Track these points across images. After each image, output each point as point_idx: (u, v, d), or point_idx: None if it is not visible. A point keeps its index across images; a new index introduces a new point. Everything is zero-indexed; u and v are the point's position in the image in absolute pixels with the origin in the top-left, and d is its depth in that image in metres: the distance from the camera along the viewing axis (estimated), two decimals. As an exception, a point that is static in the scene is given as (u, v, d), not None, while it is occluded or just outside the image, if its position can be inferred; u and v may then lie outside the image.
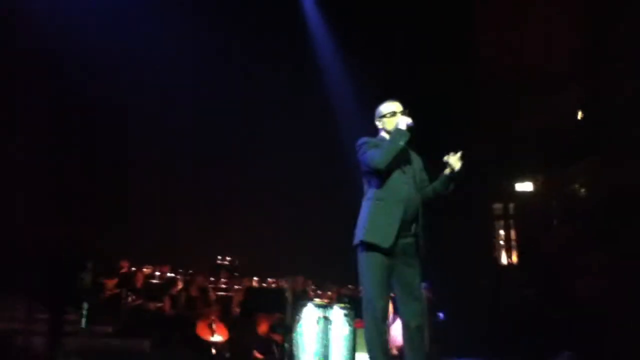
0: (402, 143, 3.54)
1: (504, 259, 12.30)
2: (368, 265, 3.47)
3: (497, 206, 12.53)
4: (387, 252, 3.44)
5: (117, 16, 9.01)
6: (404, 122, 3.60)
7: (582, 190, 11.32)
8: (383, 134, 3.77)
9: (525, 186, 12.04)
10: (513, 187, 12.10)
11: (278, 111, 10.43)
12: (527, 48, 9.19)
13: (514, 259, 12.24)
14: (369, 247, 3.47)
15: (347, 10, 10.09)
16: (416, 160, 3.78)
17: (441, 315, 8.53)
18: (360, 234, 3.53)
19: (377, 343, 3.44)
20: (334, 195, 10.00)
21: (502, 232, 12.58)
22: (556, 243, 10.74)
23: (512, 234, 12.37)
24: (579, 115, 10.82)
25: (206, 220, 10.39)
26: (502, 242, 12.60)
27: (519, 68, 9.40)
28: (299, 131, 10.27)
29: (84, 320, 5.23)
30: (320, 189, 10.45)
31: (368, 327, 3.46)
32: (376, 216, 3.51)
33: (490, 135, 10.35)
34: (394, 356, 6.18)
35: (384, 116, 3.77)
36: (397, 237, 3.44)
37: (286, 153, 10.39)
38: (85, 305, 5.12)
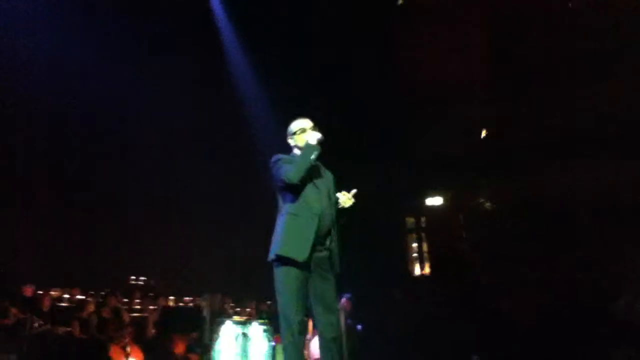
0: (313, 157, 3.62)
1: (417, 270, 12.76)
2: (284, 279, 3.49)
3: (410, 220, 13.02)
4: (303, 266, 3.47)
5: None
6: (314, 137, 3.69)
7: (487, 204, 12.01)
8: (295, 150, 3.83)
9: (435, 201, 12.61)
10: (424, 202, 12.64)
11: (191, 129, 10.30)
12: (438, 67, 9.64)
13: (427, 270, 12.73)
14: (284, 261, 3.49)
15: (261, 27, 10.18)
16: (328, 177, 3.85)
17: (359, 327, 8.70)
18: (275, 248, 3.54)
19: (295, 357, 3.49)
20: (249, 212, 10.03)
21: (414, 244, 13.07)
22: (464, 253, 11.31)
23: (425, 246, 12.89)
24: (483, 133, 11.49)
25: (119, 240, 10.06)
26: (415, 255, 13.09)
27: (430, 85, 9.83)
28: (211, 149, 10.22)
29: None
30: (234, 205, 10.43)
31: (285, 340, 3.49)
32: (291, 231, 3.55)
33: (402, 152, 10.73)
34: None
35: (294, 133, 3.84)
36: (312, 250, 3.50)
37: (200, 171, 10.28)
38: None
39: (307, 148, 3.65)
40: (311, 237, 3.50)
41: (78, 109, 9.38)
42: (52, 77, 8.82)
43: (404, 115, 10.36)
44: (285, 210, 3.63)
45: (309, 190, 3.63)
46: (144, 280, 9.91)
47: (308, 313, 3.64)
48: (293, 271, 3.47)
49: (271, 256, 3.55)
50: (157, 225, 10.37)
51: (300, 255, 3.45)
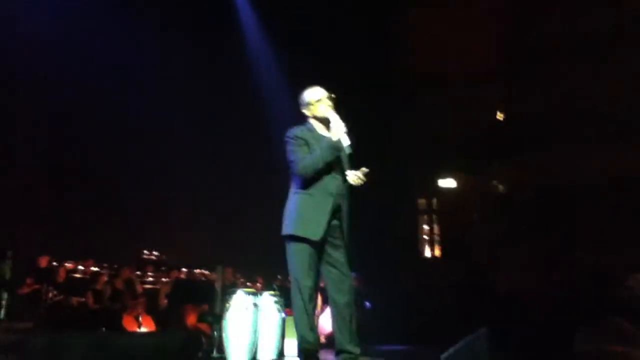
0: (331, 158, 3.56)
1: (427, 253, 12.77)
2: (296, 254, 3.55)
3: (422, 201, 13.00)
4: (316, 242, 3.53)
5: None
6: (337, 131, 3.58)
7: (501, 187, 11.96)
8: (311, 121, 3.80)
9: (448, 182, 12.57)
10: (436, 183, 12.61)
11: (202, 104, 10.32)
12: (452, 45, 9.56)
13: (437, 252, 12.74)
14: (297, 239, 3.54)
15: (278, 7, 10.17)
16: (346, 153, 3.75)
17: (368, 304, 8.76)
18: (289, 226, 3.58)
19: (305, 321, 3.56)
20: (262, 188, 10.06)
21: (425, 226, 13.06)
22: (476, 238, 11.30)
23: (436, 228, 12.88)
24: (499, 115, 11.41)
25: (132, 214, 10.17)
26: (425, 237, 13.09)
27: (443, 65, 9.77)
28: (224, 122, 10.23)
29: (2, 312, 5.04)
30: (248, 181, 10.46)
31: (296, 306, 3.57)
32: (305, 210, 3.57)
33: (415, 132, 10.70)
34: (322, 344, 6.31)
35: (309, 104, 3.80)
36: (326, 229, 3.54)
37: (213, 144, 10.33)
38: (5, 296, 4.93)
39: (328, 146, 3.57)
40: (325, 216, 3.55)
41: (89, 83, 9.41)
42: (58, 55, 8.87)
43: (418, 94, 10.31)
44: (299, 187, 3.64)
45: (323, 169, 3.60)
46: (156, 255, 10.03)
47: (318, 285, 3.70)
48: (306, 247, 3.54)
49: (285, 232, 3.59)
50: (171, 201, 10.47)
51: (315, 235, 3.51)
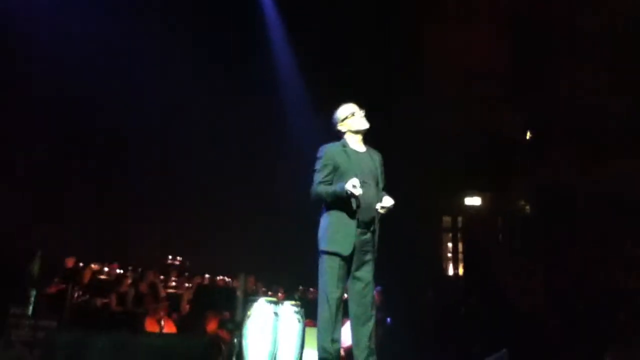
0: (330, 200, 3.65)
1: (450, 270, 12.66)
2: (327, 267, 3.63)
3: (447, 219, 12.92)
4: (346, 256, 3.61)
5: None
6: (351, 185, 3.54)
7: (527, 207, 11.82)
8: (347, 136, 3.88)
9: (473, 201, 12.47)
10: (462, 201, 12.51)
11: (230, 111, 10.41)
12: (477, 62, 9.56)
13: (460, 270, 12.62)
14: (329, 252, 3.63)
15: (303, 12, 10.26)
16: (375, 159, 3.88)
17: (388, 320, 8.70)
18: (322, 242, 3.68)
19: (328, 332, 3.58)
20: (286, 200, 10.12)
21: (450, 244, 12.96)
22: (500, 257, 11.16)
23: (460, 246, 12.77)
24: (527, 135, 11.31)
25: (158, 220, 10.31)
26: (449, 254, 12.98)
27: (471, 84, 9.75)
28: (249, 133, 10.34)
29: (30, 308, 5.14)
30: (273, 192, 10.53)
31: (321, 316, 3.60)
32: (334, 226, 3.66)
33: (444, 149, 10.66)
34: (340, 357, 6.29)
35: (345, 119, 3.87)
36: (355, 243, 3.59)
37: (239, 156, 10.43)
38: (33, 294, 5.03)
39: (339, 194, 3.60)
40: (353, 232, 3.61)
41: (109, 88, 9.54)
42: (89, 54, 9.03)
43: (445, 111, 10.27)
44: (328, 203, 3.71)
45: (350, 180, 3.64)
46: (180, 261, 10.14)
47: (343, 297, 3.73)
48: (337, 261, 3.61)
49: (319, 247, 3.69)
50: (197, 208, 10.58)
51: (344, 250, 3.59)
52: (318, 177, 3.71)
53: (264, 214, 10.48)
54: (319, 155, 3.78)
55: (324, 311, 3.58)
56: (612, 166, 8.41)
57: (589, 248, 8.88)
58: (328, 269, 3.61)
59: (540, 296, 9.00)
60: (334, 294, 3.58)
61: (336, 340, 3.62)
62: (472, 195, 12.49)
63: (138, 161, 10.29)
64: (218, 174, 10.41)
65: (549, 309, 7.69)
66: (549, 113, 9.69)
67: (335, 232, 3.63)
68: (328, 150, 3.79)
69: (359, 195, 3.56)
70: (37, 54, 8.64)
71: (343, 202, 3.65)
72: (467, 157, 10.58)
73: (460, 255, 12.64)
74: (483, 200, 12.40)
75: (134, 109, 9.71)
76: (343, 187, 3.58)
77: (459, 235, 12.81)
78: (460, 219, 12.78)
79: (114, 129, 9.80)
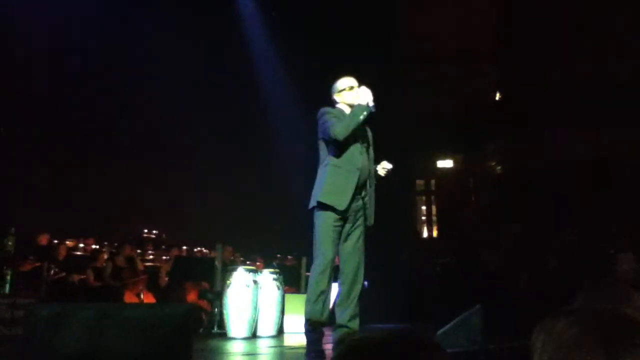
0: (361, 118, 3.74)
1: (425, 232, 12.88)
2: (322, 224, 3.73)
3: (420, 182, 13.08)
4: (340, 214, 3.70)
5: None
6: (366, 97, 3.79)
7: (498, 167, 12.03)
8: (341, 106, 3.98)
9: (446, 163, 12.64)
10: (435, 164, 12.67)
11: (200, 75, 10.30)
12: (448, 28, 9.56)
13: (434, 232, 12.85)
14: (324, 207, 3.71)
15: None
16: (368, 133, 4.03)
17: (365, 283, 8.85)
18: (317, 195, 3.77)
19: (317, 292, 3.66)
20: (262, 169, 10.12)
21: (423, 207, 13.16)
22: (472, 217, 11.39)
23: (433, 209, 12.98)
24: (497, 95, 11.44)
25: (132, 193, 10.21)
26: (423, 217, 13.19)
27: (439, 44, 9.77)
28: (224, 100, 10.24)
29: (7, 287, 5.10)
30: (247, 162, 10.51)
31: (314, 273, 3.70)
32: (333, 181, 3.75)
33: (414, 114, 10.72)
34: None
35: (342, 90, 3.99)
36: (351, 201, 3.68)
37: (211, 125, 10.34)
38: (9, 272, 4.99)
39: (358, 108, 3.78)
40: (351, 189, 3.72)
41: (87, 64, 9.40)
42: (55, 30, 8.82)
43: (415, 75, 10.31)
44: (328, 161, 3.83)
45: (352, 144, 3.79)
46: (156, 234, 10.11)
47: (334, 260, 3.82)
48: (331, 217, 3.72)
49: (312, 203, 3.79)
50: (170, 179, 10.50)
51: (340, 204, 3.68)
52: (333, 120, 3.80)
53: (240, 183, 10.47)
54: (324, 111, 3.89)
55: (319, 266, 3.69)
56: (579, 127, 8.59)
57: (556, 206, 9.11)
58: (322, 226, 3.71)
59: (510, 252, 9.24)
60: (327, 253, 3.67)
61: (325, 302, 3.71)
62: (444, 158, 12.65)
63: (107, 132, 10.13)
64: (191, 145, 10.33)
65: (519, 264, 7.92)
66: (519, 75, 9.79)
67: (332, 185, 3.74)
68: (332, 109, 3.93)
69: (360, 163, 3.70)
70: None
71: (341, 158, 3.75)
72: (438, 120, 10.67)
73: (434, 218, 12.86)
74: (455, 162, 12.58)
75: (106, 83, 9.57)
76: (360, 104, 3.75)
77: (432, 197, 13.00)
78: (433, 181, 12.95)
79: (85, 103, 9.62)
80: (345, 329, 3.74)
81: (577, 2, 8.65)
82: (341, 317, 3.77)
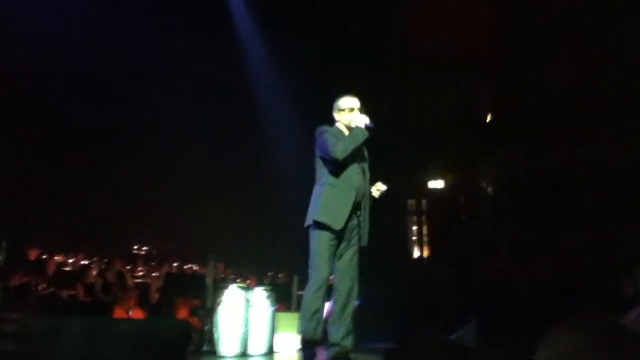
0: (360, 141, 3.84)
1: (416, 253, 12.89)
2: (318, 242, 3.80)
3: (411, 202, 13.11)
4: (336, 233, 3.77)
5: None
6: (363, 121, 3.87)
7: (488, 187, 12.09)
8: (339, 125, 4.05)
9: (437, 184, 12.70)
10: (426, 184, 12.72)
11: (199, 92, 10.33)
12: (443, 41, 9.64)
13: (425, 252, 12.86)
14: (320, 226, 3.77)
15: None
16: (365, 154, 4.13)
17: (357, 302, 8.83)
18: (313, 214, 3.84)
19: (311, 310, 3.68)
20: (254, 187, 10.11)
21: (414, 227, 13.18)
22: (464, 236, 11.40)
23: (425, 229, 13.00)
24: (488, 117, 11.54)
25: (121, 209, 10.15)
26: (414, 237, 13.20)
27: (434, 59, 9.83)
28: (216, 115, 10.27)
29: (-1, 301, 5.05)
30: (239, 178, 10.52)
31: (309, 291, 3.73)
32: (330, 200, 3.83)
33: (405, 134, 10.77)
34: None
35: (342, 110, 4.07)
36: (347, 220, 3.71)
37: (204, 140, 10.37)
38: (0, 286, 4.94)
39: (358, 131, 3.87)
40: (347, 208, 3.79)
41: (83, 75, 9.39)
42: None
43: (407, 97, 10.37)
44: (325, 180, 3.92)
45: (349, 164, 3.84)
46: (146, 250, 10.05)
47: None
48: (327, 236, 3.79)
49: (308, 222, 3.86)
50: (161, 194, 10.46)
51: (336, 223, 3.74)
52: (333, 140, 3.86)
53: (231, 200, 10.46)
54: (323, 129, 3.98)
55: (313, 285, 3.71)
56: (572, 141, 8.63)
57: (554, 214, 9.11)
58: (318, 245, 3.74)
59: (507, 266, 9.24)
60: (322, 272, 3.70)
61: (319, 320, 3.72)
62: (435, 178, 12.70)
63: (98, 147, 10.11)
64: (183, 161, 10.33)
65: (517, 277, 7.94)
66: (510, 95, 9.87)
67: (329, 205, 3.79)
68: (330, 128, 3.95)
69: (357, 182, 3.74)
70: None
71: (338, 177, 3.79)
72: (429, 141, 10.73)
73: (425, 238, 12.88)
74: (446, 182, 12.64)
75: (96, 96, 9.56)
76: (359, 126, 3.87)
77: (423, 217, 13.03)
78: (424, 202, 12.99)
79: (77, 119, 9.60)
80: (338, 347, 3.75)
81: (577, 9, 8.71)
82: (335, 335, 3.78)
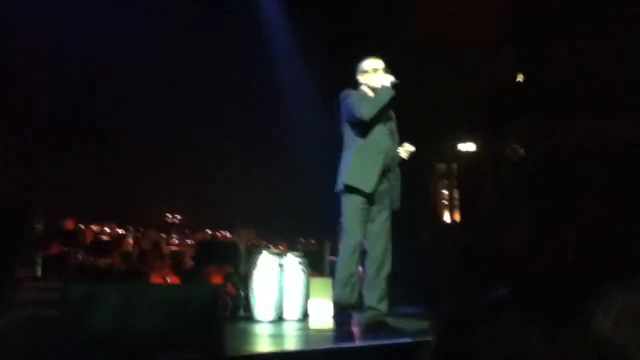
0: (386, 99, 3.71)
1: (447, 217, 12.79)
2: (349, 206, 3.78)
3: (441, 166, 12.95)
4: (367, 197, 3.66)
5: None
6: (388, 79, 3.75)
7: (520, 150, 11.86)
8: (364, 87, 3.97)
9: (467, 146, 12.50)
10: (456, 147, 12.53)
11: (224, 64, 10.27)
12: (468, 10, 9.44)
13: (457, 217, 12.75)
14: (351, 190, 3.70)
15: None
16: (392, 116, 4.07)
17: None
18: (343, 178, 3.81)
19: (347, 271, 3.68)
20: (281, 155, 10.11)
21: (445, 191, 13.04)
22: (492, 200, 11.26)
23: (455, 192, 12.86)
24: (519, 77, 11.25)
25: (152, 176, 10.25)
26: (445, 201, 13.08)
27: (460, 29, 9.62)
28: (241, 85, 10.22)
29: (39, 269, 5.18)
30: (267, 145, 10.52)
31: (343, 255, 3.73)
32: (359, 163, 3.80)
33: (434, 96, 10.59)
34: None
35: (366, 72, 3.99)
36: (378, 183, 3.66)
37: (231, 107, 10.36)
38: (39, 255, 5.07)
39: (383, 90, 3.76)
40: (377, 171, 3.73)
41: (114, 53, 9.44)
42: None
43: (435, 57, 10.16)
44: (353, 144, 3.88)
45: (376, 127, 3.77)
46: (179, 218, 10.18)
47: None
48: (358, 200, 3.75)
49: (339, 186, 3.76)
50: (190, 162, 10.54)
51: (367, 186, 3.69)
52: (357, 102, 3.79)
53: (261, 169, 10.48)
54: (347, 94, 3.94)
55: (347, 249, 3.71)
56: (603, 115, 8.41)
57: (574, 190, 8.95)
58: (349, 209, 3.72)
59: (531, 235, 9.13)
60: (356, 235, 3.69)
61: (354, 285, 3.72)
62: (465, 141, 12.50)
63: (129, 118, 10.18)
64: (211, 129, 10.35)
65: (541, 248, 7.84)
66: (540, 57, 9.62)
67: (358, 168, 3.75)
68: (354, 92, 3.88)
69: (385, 142, 3.67)
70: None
71: (369, 142, 3.73)
72: (459, 103, 10.53)
73: (456, 202, 12.75)
74: (477, 145, 12.43)
75: (127, 72, 9.61)
76: (384, 85, 3.69)
77: (454, 181, 12.88)
78: (454, 165, 12.82)
79: (107, 88, 9.69)
80: (374, 311, 3.75)
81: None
82: (370, 299, 3.78)
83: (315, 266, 7.79)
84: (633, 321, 0.83)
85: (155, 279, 7.03)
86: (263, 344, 4.15)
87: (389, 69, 3.97)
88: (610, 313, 0.87)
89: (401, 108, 4.13)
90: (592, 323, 0.93)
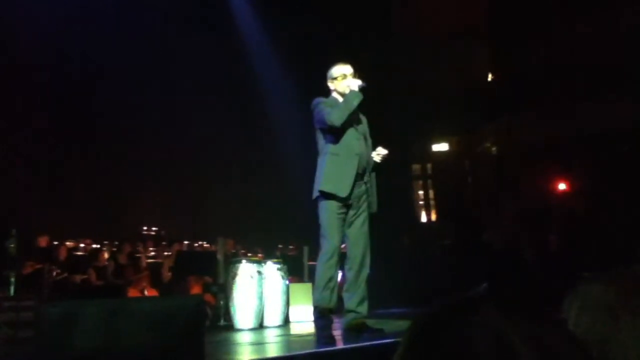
0: (355, 103, 3.74)
1: (423, 217, 12.90)
2: (326, 212, 3.78)
3: (416, 167, 13.08)
4: (343, 201, 3.72)
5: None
6: (355, 84, 3.81)
7: (493, 148, 12.05)
8: (334, 94, 4.00)
9: (441, 147, 12.65)
10: (430, 148, 12.66)
11: (197, 77, 10.24)
12: (443, 10, 9.54)
13: (433, 216, 12.87)
14: (327, 196, 3.74)
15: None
16: (363, 120, 4.07)
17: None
18: (318, 184, 3.81)
19: (325, 280, 3.68)
20: (257, 163, 10.08)
21: (420, 191, 13.16)
22: (469, 198, 11.41)
23: (431, 193, 12.99)
24: (489, 77, 11.43)
25: (128, 191, 10.17)
26: (421, 202, 13.20)
27: (435, 26, 9.73)
28: (221, 95, 10.20)
29: (11, 289, 5.08)
30: (244, 154, 10.49)
31: (321, 260, 3.74)
32: (333, 169, 3.79)
33: (408, 99, 10.68)
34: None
35: (335, 78, 3.99)
36: (353, 187, 3.69)
37: (208, 120, 10.30)
38: (12, 274, 4.96)
39: (351, 95, 3.78)
40: (352, 174, 3.74)
41: (86, 65, 9.33)
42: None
43: (408, 58, 10.25)
44: (327, 150, 3.88)
45: (348, 131, 3.80)
46: (155, 230, 10.09)
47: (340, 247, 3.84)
48: (334, 205, 3.76)
49: (315, 193, 3.79)
50: (166, 174, 10.45)
51: (342, 191, 3.70)
52: (327, 109, 3.80)
53: (236, 176, 10.45)
54: (318, 101, 3.92)
55: (325, 254, 3.70)
56: (575, 108, 8.60)
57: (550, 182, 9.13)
58: (326, 214, 3.73)
59: (510, 229, 9.26)
60: (334, 240, 3.70)
61: (333, 289, 3.72)
62: (439, 142, 12.64)
63: (103, 132, 10.08)
64: (187, 140, 10.29)
65: (522, 242, 7.97)
66: (513, 54, 9.79)
67: (332, 173, 3.76)
68: (325, 99, 3.91)
69: (359, 150, 3.70)
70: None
71: (342, 147, 3.76)
72: (432, 104, 10.64)
73: (432, 202, 12.87)
74: (450, 145, 12.58)
75: (103, 85, 9.51)
76: (352, 90, 3.74)
77: (429, 181, 13.01)
78: (429, 165, 12.96)
79: (84, 104, 9.56)
80: (355, 314, 3.76)
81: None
82: (350, 302, 3.79)
83: (295, 272, 7.78)
84: (593, 313, 0.84)
85: (133, 292, 6.95)
86: (245, 353, 4.12)
87: (360, 72, 4.00)
88: (573, 306, 0.88)
89: (374, 111, 4.17)
90: (564, 316, 0.94)
